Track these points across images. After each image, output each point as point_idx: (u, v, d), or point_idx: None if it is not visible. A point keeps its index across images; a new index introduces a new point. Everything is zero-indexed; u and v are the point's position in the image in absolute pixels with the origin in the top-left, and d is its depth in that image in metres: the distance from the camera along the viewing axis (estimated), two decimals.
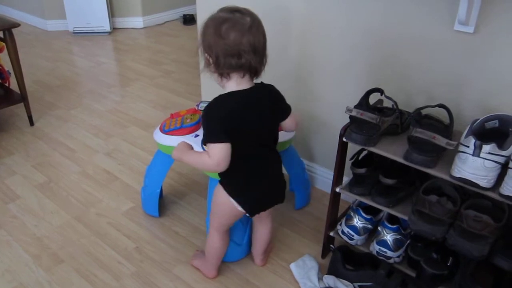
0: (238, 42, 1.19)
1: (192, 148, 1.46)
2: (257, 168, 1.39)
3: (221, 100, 1.27)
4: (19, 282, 1.61)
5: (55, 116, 2.74)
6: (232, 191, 1.38)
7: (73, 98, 2.97)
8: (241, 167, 1.34)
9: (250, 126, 1.30)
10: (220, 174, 1.39)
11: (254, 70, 1.26)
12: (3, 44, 2.42)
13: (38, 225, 1.87)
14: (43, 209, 1.96)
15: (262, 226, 1.59)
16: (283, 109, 1.42)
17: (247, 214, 1.42)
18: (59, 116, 2.74)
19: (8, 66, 2.55)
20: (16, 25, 2.33)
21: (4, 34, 2.33)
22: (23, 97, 2.51)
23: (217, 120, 1.25)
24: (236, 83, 1.27)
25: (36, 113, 2.69)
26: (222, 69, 1.24)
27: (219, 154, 1.25)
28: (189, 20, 4.48)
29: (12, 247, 1.76)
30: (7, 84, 2.66)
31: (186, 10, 4.64)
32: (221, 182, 1.40)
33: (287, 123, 1.44)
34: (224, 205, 1.41)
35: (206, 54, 1.26)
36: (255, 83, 1.32)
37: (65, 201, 2.01)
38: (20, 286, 1.59)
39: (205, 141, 1.27)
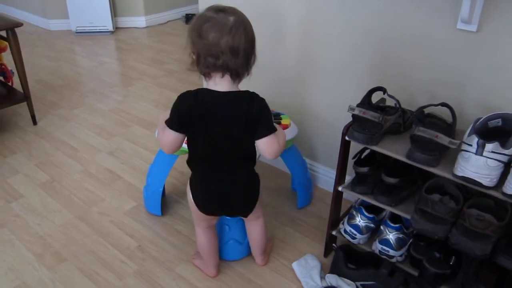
0: (215, 43, 1.19)
1: None
2: (210, 170, 1.39)
3: (191, 94, 1.29)
4: (22, 281, 1.61)
5: (57, 115, 2.75)
6: (191, 184, 1.45)
7: (76, 98, 2.98)
8: (199, 162, 1.41)
9: (208, 128, 1.29)
10: (187, 164, 1.45)
11: (234, 72, 1.24)
12: (6, 43, 2.43)
13: (41, 224, 1.88)
14: (46, 208, 1.97)
15: (251, 228, 1.59)
16: (256, 128, 1.29)
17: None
18: (61, 116, 2.74)
19: (11, 66, 2.56)
20: (19, 24, 2.34)
21: (7, 33, 2.33)
22: (26, 97, 2.52)
23: (176, 109, 1.30)
24: (214, 83, 1.27)
25: (39, 113, 2.70)
26: (201, 68, 1.25)
27: (166, 138, 1.33)
28: (191, 19, 4.47)
29: (15, 246, 1.76)
30: (10, 84, 2.66)
31: (189, 9, 4.64)
32: (191, 175, 1.47)
33: (260, 145, 1.31)
34: (189, 199, 1.46)
35: (191, 53, 1.26)
36: (242, 90, 1.29)
37: (68, 200, 2.02)
38: (23, 285, 1.60)
39: (165, 121, 1.33)
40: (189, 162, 1.43)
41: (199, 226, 1.55)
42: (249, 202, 1.46)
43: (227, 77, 1.25)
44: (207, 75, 1.27)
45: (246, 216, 1.50)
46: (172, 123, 1.31)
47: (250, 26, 1.25)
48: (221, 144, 1.32)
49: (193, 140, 1.35)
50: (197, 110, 1.27)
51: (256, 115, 1.28)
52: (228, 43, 1.18)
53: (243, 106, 1.27)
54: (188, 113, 1.28)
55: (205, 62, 1.22)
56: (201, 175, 1.42)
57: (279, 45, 1.94)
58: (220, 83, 1.27)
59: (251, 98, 1.28)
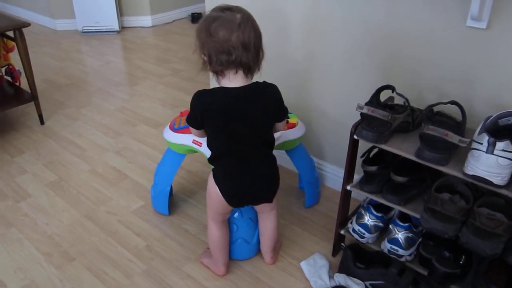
0: (227, 39, 1.22)
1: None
2: (236, 163, 1.41)
3: (205, 94, 1.33)
4: (31, 280, 1.62)
5: (64, 115, 2.76)
6: (216, 179, 1.44)
7: (82, 97, 2.99)
8: (223, 158, 1.41)
9: (231, 124, 1.32)
10: (209, 162, 1.45)
11: (246, 67, 1.28)
12: (14, 43, 2.44)
13: (49, 223, 1.88)
14: (54, 207, 1.98)
15: (265, 222, 1.60)
16: (278, 113, 1.41)
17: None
18: (68, 115, 2.75)
19: (18, 66, 2.57)
20: (26, 24, 2.34)
21: (14, 34, 2.34)
22: (33, 96, 2.53)
23: (192, 109, 1.35)
24: (229, 80, 1.30)
25: (46, 112, 2.71)
26: (215, 67, 1.28)
27: (194, 133, 1.45)
28: (197, 18, 4.48)
29: (23, 245, 1.77)
30: (17, 84, 2.67)
31: (195, 8, 4.64)
32: (212, 170, 1.46)
33: (278, 125, 1.46)
34: (213, 193, 1.45)
35: (202, 54, 1.29)
36: (254, 82, 1.33)
37: (76, 200, 2.02)
38: (32, 284, 1.60)
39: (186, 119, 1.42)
40: (212, 159, 1.44)
41: (214, 220, 1.54)
42: (274, 186, 1.49)
43: (240, 73, 1.29)
44: (220, 73, 1.29)
45: (271, 201, 1.51)
46: (191, 121, 1.39)
47: (256, 22, 1.28)
48: (246, 137, 1.36)
49: (215, 137, 1.38)
50: (216, 108, 1.30)
51: (277, 102, 1.38)
52: (239, 38, 1.22)
53: (263, 96, 1.33)
54: (206, 111, 1.30)
55: (218, 60, 1.25)
56: (228, 169, 1.42)
57: (285, 43, 1.93)
58: (234, 80, 1.30)
59: (265, 86, 1.34)
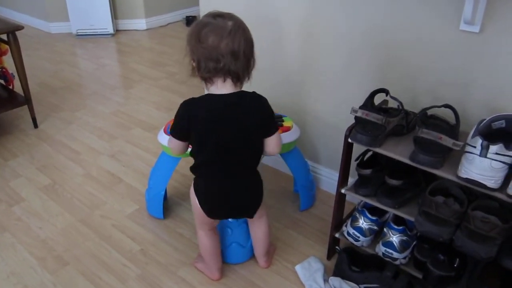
0: (215, 46, 1.20)
1: None
2: (218, 175, 1.39)
3: (191, 103, 1.30)
4: (24, 285, 1.60)
5: (59, 118, 2.74)
6: (195, 189, 1.43)
7: (77, 100, 2.98)
8: (205, 168, 1.39)
9: (214, 132, 1.30)
10: (191, 171, 1.43)
11: (235, 75, 1.25)
12: (7, 47, 2.43)
13: (43, 227, 1.87)
14: (48, 211, 1.96)
15: (255, 228, 1.59)
16: (266, 125, 1.35)
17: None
18: (63, 118, 2.74)
19: (12, 69, 2.56)
20: (20, 27, 2.33)
21: (8, 37, 2.33)
22: (27, 100, 2.52)
23: (178, 119, 1.33)
24: (217, 87, 1.28)
25: (40, 116, 2.70)
26: (203, 74, 1.26)
27: (171, 144, 1.40)
28: (192, 21, 4.48)
29: (17, 249, 1.76)
30: (11, 87, 2.66)
31: (189, 11, 4.64)
32: (193, 180, 1.45)
33: (271, 141, 1.38)
34: (194, 202, 1.45)
35: (191, 60, 1.27)
36: (243, 91, 1.30)
37: (70, 204, 2.01)
38: None
39: (169, 129, 1.38)
40: (194, 168, 1.42)
41: (202, 229, 1.54)
42: (256, 202, 1.47)
43: (228, 81, 1.26)
44: (208, 80, 1.27)
45: (252, 217, 1.50)
46: (175, 132, 1.36)
47: (249, 31, 1.26)
48: (233, 146, 1.33)
49: (200, 147, 1.34)
50: (203, 114, 1.28)
51: (267, 112, 1.34)
52: (228, 46, 1.20)
53: (254, 104, 1.31)
54: (194, 118, 1.28)
55: (206, 67, 1.23)
56: (208, 180, 1.41)
57: (281, 47, 1.94)
58: (222, 87, 1.27)
59: (255, 97, 1.32)
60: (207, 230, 1.54)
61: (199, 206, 1.44)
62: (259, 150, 1.40)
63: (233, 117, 1.29)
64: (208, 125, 1.29)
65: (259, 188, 1.46)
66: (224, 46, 1.20)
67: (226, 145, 1.32)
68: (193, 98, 1.31)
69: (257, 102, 1.32)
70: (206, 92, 1.33)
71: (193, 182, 1.45)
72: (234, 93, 1.28)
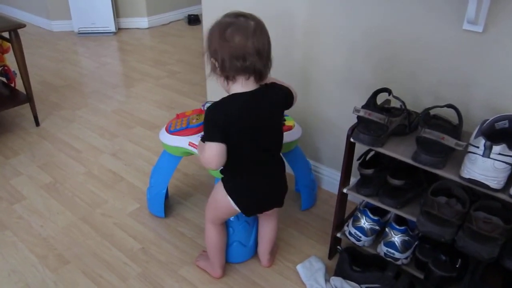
0: (243, 45, 1.22)
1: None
2: (255, 171, 1.40)
3: (221, 103, 1.30)
4: (25, 283, 1.60)
5: (60, 116, 2.74)
6: (230, 190, 1.41)
7: (78, 99, 2.98)
8: (241, 168, 1.39)
9: (249, 129, 1.31)
10: (221, 172, 1.43)
11: (258, 73, 1.27)
12: (9, 44, 2.43)
13: (44, 225, 1.87)
14: (49, 209, 1.96)
15: (267, 224, 1.60)
16: (288, 105, 1.43)
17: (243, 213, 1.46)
18: (64, 117, 2.74)
19: (13, 67, 2.56)
20: (22, 26, 2.33)
21: (10, 35, 2.33)
22: (28, 98, 2.52)
23: (213, 123, 1.29)
24: (241, 85, 1.29)
25: (41, 114, 2.70)
26: (228, 72, 1.26)
27: (210, 151, 1.30)
28: (193, 20, 4.48)
29: (18, 248, 1.76)
30: (12, 85, 2.66)
31: (191, 10, 4.64)
32: (222, 180, 1.44)
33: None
34: (222, 202, 1.44)
35: (212, 59, 1.28)
36: (261, 85, 1.32)
37: (71, 202, 2.01)
38: (26, 287, 1.59)
39: (202, 139, 1.34)
40: (227, 171, 1.40)
41: (213, 223, 1.53)
42: (286, 188, 1.50)
43: (251, 79, 1.28)
44: (231, 78, 1.28)
45: (282, 205, 1.51)
46: (211, 135, 1.30)
47: (267, 30, 1.28)
48: (266, 139, 1.36)
49: (234, 147, 1.32)
50: (234, 117, 1.28)
51: (281, 98, 1.38)
52: (254, 45, 1.22)
53: (271, 95, 1.34)
54: (226, 123, 1.28)
55: (232, 65, 1.24)
56: (248, 177, 1.41)
57: (283, 47, 1.93)
58: (246, 85, 1.29)
59: (272, 87, 1.35)
60: (218, 225, 1.54)
61: (228, 205, 1.42)
62: (282, 134, 1.44)
63: (262, 111, 1.32)
64: (239, 123, 1.29)
65: (285, 172, 1.49)
66: (250, 45, 1.22)
67: (259, 139, 1.34)
68: (218, 102, 1.30)
69: (277, 90, 1.37)
70: (215, 88, 1.33)
71: (224, 184, 1.42)
72: (257, 88, 1.31)
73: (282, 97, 1.38)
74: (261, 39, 1.24)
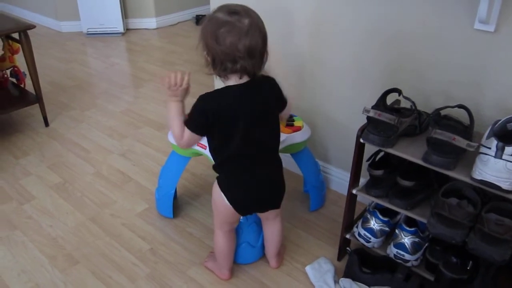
0: (233, 48, 1.21)
1: (182, 113, 1.40)
2: (249, 169, 1.39)
3: (215, 93, 1.32)
4: (35, 283, 1.61)
5: (69, 117, 2.76)
6: (224, 187, 1.41)
7: (87, 99, 2.99)
8: (232, 164, 1.39)
9: (242, 121, 1.30)
10: (214, 169, 1.43)
11: (251, 73, 1.28)
12: (19, 45, 2.45)
13: (53, 226, 1.88)
14: (58, 210, 1.97)
15: (269, 227, 1.59)
16: (282, 100, 1.42)
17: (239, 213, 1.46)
18: (73, 117, 2.75)
19: (23, 68, 2.57)
20: (32, 26, 2.35)
21: (19, 35, 2.34)
22: (38, 98, 2.53)
23: (200, 112, 1.31)
24: (234, 81, 1.30)
25: (50, 114, 2.71)
26: (219, 72, 1.28)
27: (185, 136, 1.36)
28: (201, 20, 4.48)
29: (27, 247, 1.77)
30: (22, 85, 2.68)
31: (199, 10, 4.64)
32: (217, 178, 1.43)
33: (284, 112, 1.46)
34: (219, 201, 1.43)
35: (204, 53, 1.28)
36: (255, 78, 1.32)
37: (80, 202, 2.02)
38: (36, 287, 1.60)
39: (184, 122, 1.36)
40: (219, 166, 1.42)
41: (221, 229, 1.52)
42: (283, 189, 1.48)
43: (244, 77, 1.29)
44: (223, 76, 1.30)
45: (279, 207, 1.50)
46: (194, 126, 1.34)
47: (263, 25, 1.26)
48: (259, 133, 1.35)
49: (225, 141, 1.33)
50: (226, 108, 1.29)
51: (275, 92, 1.39)
52: (245, 46, 1.21)
53: (268, 84, 1.36)
54: (215, 115, 1.29)
55: (222, 66, 1.25)
56: (238, 175, 1.40)
57: (290, 45, 1.93)
58: (239, 81, 1.30)
59: (266, 80, 1.36)
60: (226, 231, 1.53)
61: (225, 204, 1.41)
62: (279, 131, 1.43)
63: (254, 103, 1.32)
64: (232, 115, 1.29)
65: (283, 176, 1.47)
66: (241, 47, 1.21)
67: (252, 133, 1.33)
68: (210, 92, 1.32)
69: (270, 82, 1.37)
70: (214, 83, 1.34)
71: (217, 181, 1.43)
72: (249, 80, 1.30)
73: (277, 86, 1.39)
74: (254, 38, 1.22)
